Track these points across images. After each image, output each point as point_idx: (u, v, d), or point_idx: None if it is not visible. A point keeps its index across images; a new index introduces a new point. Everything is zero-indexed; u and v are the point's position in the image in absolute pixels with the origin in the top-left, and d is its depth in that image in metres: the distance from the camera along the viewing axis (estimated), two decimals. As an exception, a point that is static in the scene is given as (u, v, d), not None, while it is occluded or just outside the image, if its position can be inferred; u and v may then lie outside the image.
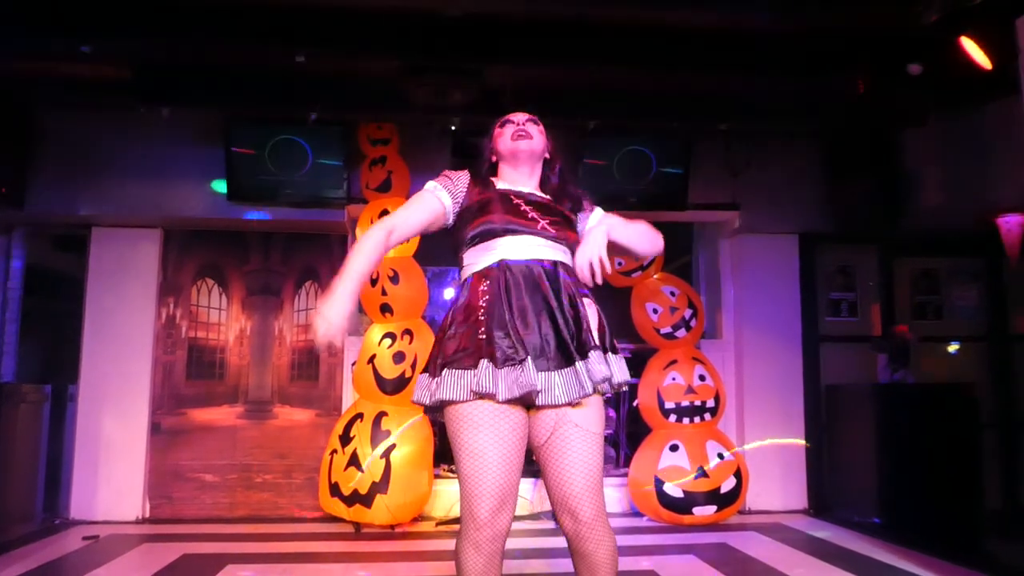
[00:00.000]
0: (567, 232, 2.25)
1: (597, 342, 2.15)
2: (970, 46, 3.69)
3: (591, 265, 2.14)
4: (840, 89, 4.49)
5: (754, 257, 5.63)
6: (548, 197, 2.31)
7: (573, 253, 2.24)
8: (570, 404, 2.11)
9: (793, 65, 4.36)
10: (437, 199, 2.27)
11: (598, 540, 2.11)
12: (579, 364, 2.08)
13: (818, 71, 4.40)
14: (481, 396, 2.07)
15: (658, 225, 6.01)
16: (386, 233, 2.23)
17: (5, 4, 3.79)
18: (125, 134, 5.13)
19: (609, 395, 2.29)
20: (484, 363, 2.07)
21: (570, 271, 2.22)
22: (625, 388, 2.25)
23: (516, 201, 2.24)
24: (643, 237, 2.33)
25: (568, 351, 2.09)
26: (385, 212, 4.99)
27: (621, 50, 4.21)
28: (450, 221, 2.28)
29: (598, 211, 2.39)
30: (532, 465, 2.23)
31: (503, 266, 2.16)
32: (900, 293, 5.94)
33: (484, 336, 2.10)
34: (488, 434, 2.09)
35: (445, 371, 2.12)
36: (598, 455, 2.15)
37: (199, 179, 5.19)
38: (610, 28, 4.10)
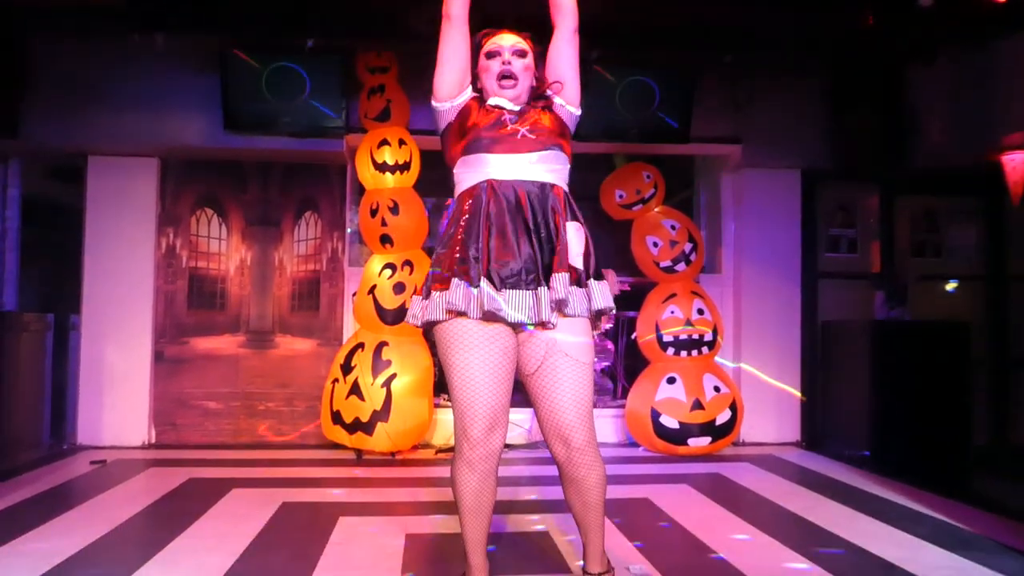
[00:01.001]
0: (554, 138, 2.27)
1: (580, 267, 2.18)
2: (983, -24, 3.61)
3: None
4: (848, 22, 4.41)
5: (755, 192, 5.60)
6: (530, 104, 2.34)
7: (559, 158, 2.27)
8: (543, 325, 2.16)
9: (802, -4, 4.27)
10: (467, 81, 2.33)
11: (589, 465, 2.19)
12: (543, 290, 2.12)
13: (827, 3, 4.30)
14: (456, 314, 2.15)
15: (660, 158, 5.95)
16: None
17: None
18: (120, 63, 5.04)
19: (606, 327, 2.35)
20: (455, 281, 2.14)
21: (559, 192, 2.24)
22: (612, 312, 2.29)
23: (501, 115, 2.28)
24: None
25: (538, 275, 2.13)
26: (385, 142, 4.95)
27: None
28: (459, 90, 2.32)
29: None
30: (527, 394, 2.28)
31: (489, 185, 2.19)
32: (900, 231, 5.93)
33: (459, 255, 2.16)
34: (476, 355, 2.16)
35: (433, 293, 2.19)
36: (588, 384, 2.22)
37: (195, 108, 5.11)
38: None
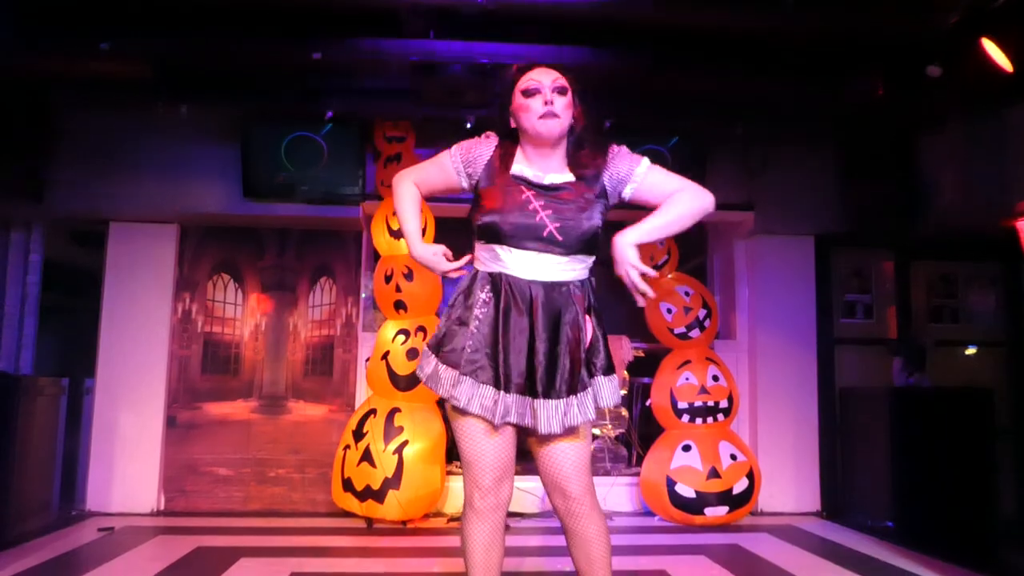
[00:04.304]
0: (582, 242, 2.14)
1: (585, 369, 2.15)
2: (991, 48, 3.66)
3: (634, 286, 2.06)
4: (858, 91, 4.46)
5: (769, 258, 5.61)
6: (567, 181, 2.18)
7: (592, 245, 2.18)
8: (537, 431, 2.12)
9: (811, 67, 4.34)
10: (453, 169, 2.26)
11: (588, 516, 2.18)
12: (539, 402, 2.09)
13: (836, 73, 4.37)
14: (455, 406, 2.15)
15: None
16: (413, 186, 2.32)
17: (25, 2, 3.83)
18: (143, 131, 5.16)
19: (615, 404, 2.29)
20: (466, 381, 2.13)
21: (576, 290, 2.17)
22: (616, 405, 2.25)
23: (526, 195, 2.15)
24: (683, 218, 2.17)
25: (542, 384, 2.10)
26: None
27: (637, 50, 4.21)
28: (464, 186, 2.27)
29: (639, 164, 2.20)
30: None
31: (506, 281, 2.15)
32: (917, 296, 5.90)
33: (473, 349, 2.14)
34: (481, 421, 2.16)
35: (441, 363, 2.19)
36: (586, 438, 2.22)
37: (216, 176, 5.21)
38: (628, 28, 4.10)
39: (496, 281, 2.16)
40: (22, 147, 4.92)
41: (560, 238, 2.12)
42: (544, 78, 2.16)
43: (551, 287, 2.14)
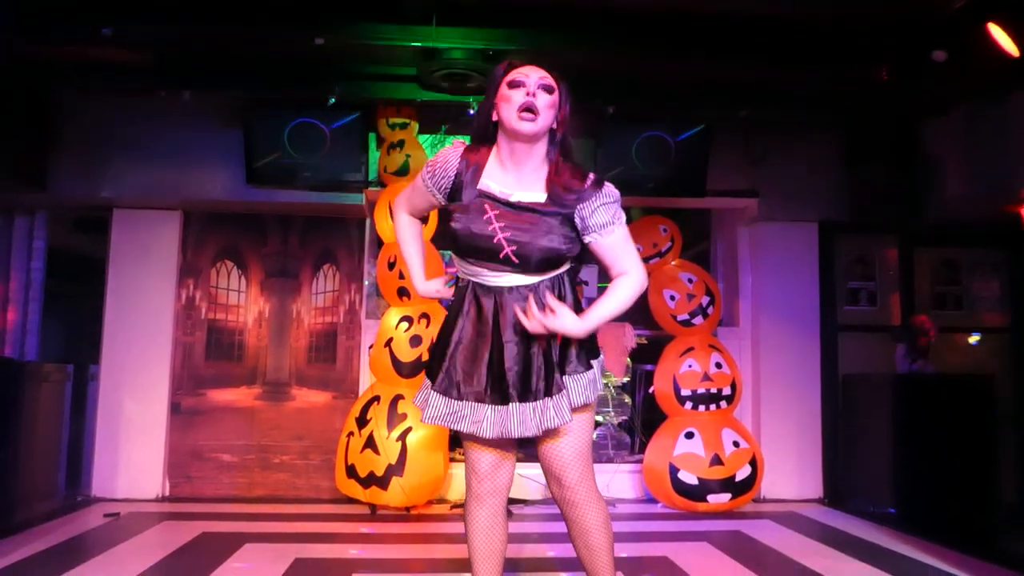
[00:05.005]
0: (543, 266, 2.14)
1: (558, 370, 2.13)
2: (997, 32, 3.64)
3: (530, 317, 2.05)
4: (863, 77, 4.44)
5: (772, 245, 5.60)
6: (535, 201, 2.13)
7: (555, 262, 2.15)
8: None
9: (815, 53, 4.31)
10: (426, 191, 2.27)
11: (584, 505, 2.19)
12: (514, 406, 2.10)
13: (841, 59, 4.35)
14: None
15: (676, 211, 5.94)
16: (408, 216, 2.39)
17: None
18: (146, 117, 5.16)
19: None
20: (433, 395, 2.19)
21: (548, 286, 2.15)
22: (591, 404, 2.21)
23: (488, 215, 2.12)
24: (624, 305, 2.16)
25: (515, 390, 2.10)
26: (403, 196, 5.00)
27: (641, 36, 4.19)
28: (442, 202, 2.26)
29: (612, 227, 2.14)
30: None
31: (474, 290, 2.19)
32: (920, 283, 5.89)
33: (446, 362, 2.18)
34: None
35: (428, 380, 2.24)
36: (584, 427, 2.21)
37: (218, 162, 5.21)
38: (630, 13, 4.08)
39: (465, 289, 2.21)
40: (25, 134, 4.93)
41: (516, 261, 2.11)
42: (532, 74, 2.12)
43: (518, 291, 2.14)
